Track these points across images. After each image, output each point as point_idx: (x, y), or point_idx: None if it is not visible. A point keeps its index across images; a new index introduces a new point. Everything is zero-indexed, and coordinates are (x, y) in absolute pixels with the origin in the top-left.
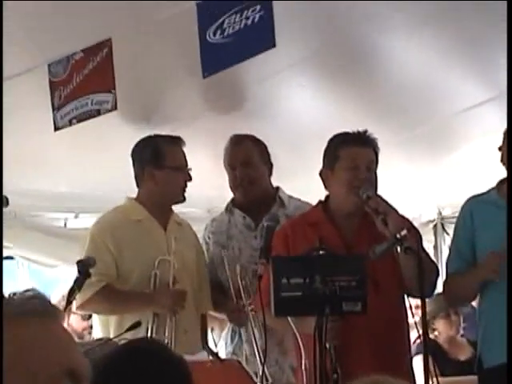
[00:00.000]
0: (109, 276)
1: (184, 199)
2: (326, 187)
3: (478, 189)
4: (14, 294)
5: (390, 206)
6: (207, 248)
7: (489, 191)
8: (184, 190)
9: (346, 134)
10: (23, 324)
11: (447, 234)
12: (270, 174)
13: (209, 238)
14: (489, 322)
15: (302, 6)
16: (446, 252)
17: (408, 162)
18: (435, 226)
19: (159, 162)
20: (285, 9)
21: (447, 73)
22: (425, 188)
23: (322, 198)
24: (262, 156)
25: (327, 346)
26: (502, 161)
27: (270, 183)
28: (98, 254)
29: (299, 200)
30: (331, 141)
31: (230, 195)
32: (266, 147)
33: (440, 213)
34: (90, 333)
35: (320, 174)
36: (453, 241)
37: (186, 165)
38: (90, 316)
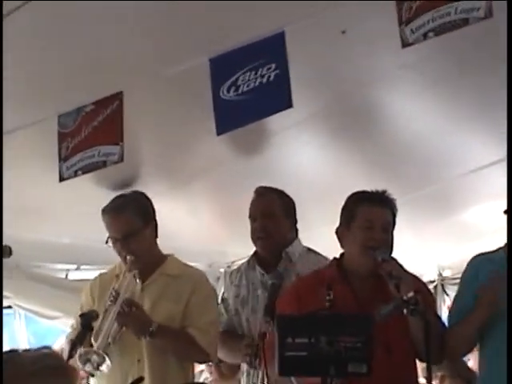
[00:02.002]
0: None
1: (130, 265)
2: (341, 245)
3: (479, 251)
4: (28, 350)
5: (405, 271)
6: (226, 296)
7: (497, 250)
8: (124, 260)
9: (364, 192)
10: (38, 382)
11: (447, 295)
12: (294, 228)
13: (228, 288)
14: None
15: (312, 64)
16: (445, 313)
17: (411, 222)
18: (435, 286)
19: None
20: (293, 67)
21: (454, 134)
22: (426, 248)
23: (325, 254)
24: (286, 210)
25: None
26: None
27: (293, 238)
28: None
29: (317, 254)
30: (349, 198)
31: (231, 250)
32: (292, 202)
33: (440, 274)
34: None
35: (336, 232)
36: (456, 296)
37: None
38: None
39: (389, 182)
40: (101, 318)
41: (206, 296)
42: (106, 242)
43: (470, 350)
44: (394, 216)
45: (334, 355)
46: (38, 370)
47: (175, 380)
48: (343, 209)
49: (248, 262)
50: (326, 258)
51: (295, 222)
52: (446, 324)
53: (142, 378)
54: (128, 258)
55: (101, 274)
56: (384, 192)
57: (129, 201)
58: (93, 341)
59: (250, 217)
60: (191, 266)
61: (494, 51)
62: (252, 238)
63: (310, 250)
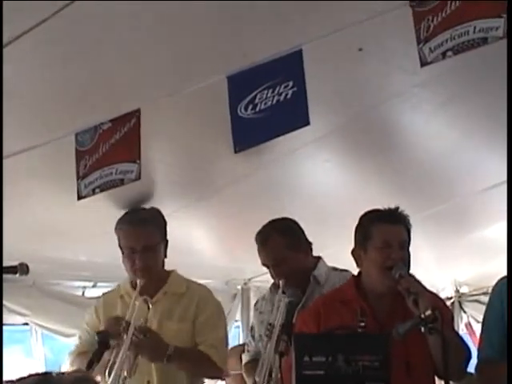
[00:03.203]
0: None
1: (140, 277)
2: (358, 265)
3: (496, 269)
4: (63, 373)
5: (423, 287)
6: (253, 324)
7: None
8: (135, 272)
9: (377, 211)
10: None
11: (464, 312)
12: (309, 253)
13: (255, 316)
14: None
15: (329, 82)
16: (462, 330)
17: (429, 238)
18: (453, 303)
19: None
20: (310, 84)
21: (471, 151)
22: (444, 265)
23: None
24: (294, 245)
25: None
26: None
27: (312, 260)
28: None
29: (341, 270)
30: (362, 218)
31: (249, 267)
32: (296, 230)
33: (458, 290)
34: None
35: (352, 253)
36: (483, 323)
37: (135, 247)
38: None
39: (406, 199)
40: (113, 350)
41: (212, 312)
42: (123, 253)
43: None
44: (409, 232)
45: (352, 374)
46: None
47: None
48: (357, 229)
49: (270, 289)
50: (349, 273)
51: (308, 245)
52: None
53: None
54: (138, 281)
55: (104, 294)
56: (397, 209)
57: (151, 214)
58: (106, 376)
59: (263, 265)
60: (194, 282)
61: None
62: (275, 280)
63: (335, 268)
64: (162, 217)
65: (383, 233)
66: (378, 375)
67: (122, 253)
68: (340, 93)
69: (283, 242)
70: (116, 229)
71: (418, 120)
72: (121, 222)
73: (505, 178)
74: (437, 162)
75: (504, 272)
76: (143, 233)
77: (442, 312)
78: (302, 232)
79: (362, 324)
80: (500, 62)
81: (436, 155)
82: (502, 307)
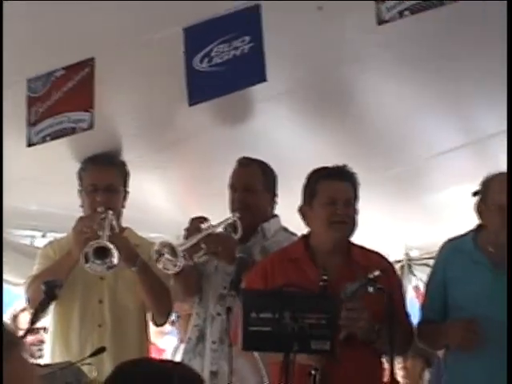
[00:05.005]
0: None
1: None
2: (306, 223)
3: (447, 234)
4: None
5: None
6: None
7: (466, 235)
8: (94, 210)
9: (323, 168)
10: None
11: (414, 275)
12: (273, 204)
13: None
14: (454, 379)
15: (287, 39)
16: (410, 293)
17: (380, 201)
18: (402, 266)
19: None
20: (271, 40)
21: (428, 114)
22: (395, 228)
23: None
24: (268, 184)
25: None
26: (477, 210)
27: (270, 213)
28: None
29: (291, 234)
30: (309, 176)
31: None
32: (274, 175)
33: (408, 254)
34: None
35: (299, 211)
36: (427, 286)
37: (98, 184)
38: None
39: (363, 161)
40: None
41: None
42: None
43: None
44: (356, 190)
45: (298, 331)
46: None
47: (134, 348)
48: (305, 187)
49: (225, 230)
50: (298, 237)
51: (275, 196)
52: (408, 305)
53: (103, 349)
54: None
55: (57, 240)
56: (344, 166)
57: (117, 160)
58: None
59: (230, 187)
60: (145, 238)
61: (468, 38)
62: (230, 209)
63: (286, 229)
64: (126, 167)
65: (328, 189)
66: (323, 333)
67: (83, 195)
68: (299, 50)
69: (261, 177)
70: (79, 171)
71: (376, 80)
72: (84, 163)
73: (460, 143)
74: (394, 124)
75: (451, 236)
76: (107, 171)
77: (390, 275)
78: (276, 185)
79: (325, 278)
80: (457, 25)
81: (394, 117)
82: (445, 275)
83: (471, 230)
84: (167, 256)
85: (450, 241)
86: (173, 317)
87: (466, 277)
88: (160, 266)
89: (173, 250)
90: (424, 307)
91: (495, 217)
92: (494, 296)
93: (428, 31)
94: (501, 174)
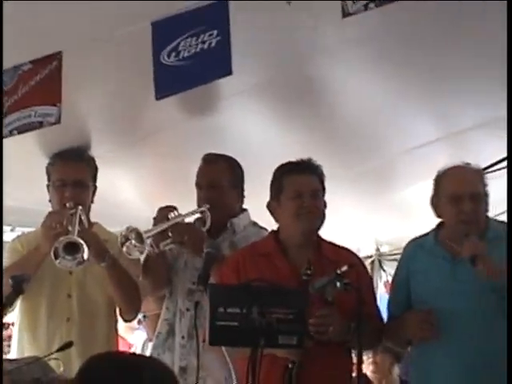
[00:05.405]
0: None
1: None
2: (275, 219)
3: (418, 230)
4: None
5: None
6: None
7: (427, 234)
8: (63, 206)
9: (288, 163)
10: None
11: (384, 270)
12: (241, 199)
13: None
14: (419, 372)
15: (259, 32)
16: (381, 288)
17: (352, 196)
18: (373, 261)
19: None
20: (240, 34)
21: (396, 111)
22: (365, 223)
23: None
24: (234, 180)
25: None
26: (431, 204)
27: (239, 208)
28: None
29: (261, 228)
30: (276, 172)
31: None
32: (241, 171)
33: (378, 249)
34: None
35: (267, 207)
36: (393, 282)
37: (66, 179)
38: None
39: (336, 157)
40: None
41: (128, 262)
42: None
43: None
44: (322, 182)
45: (265, 326)
46: None
47: (102, 342)
48: (271, 183)
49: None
50: (267, 231)
51: (242, 191)
52: (379, 301)
53: (70, 343)
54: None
55: (25, 234)
56: (309, 160)
57: (85, 155)
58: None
59: (196, 185)
60: (114, 233)
61: (439, 30)
62: (197, 207)
63: (255, 224)
64: (94, 162)
65: (294, 183)
66: (291, 328)
67: (51, 190)
68: (267, 44)
69: (227, 173)
70: (47, 166)
71: (346, 74)
72: (53, 158)
73: (433, 137)
74: (366, 120)
75: (422, 232)
76: (75, 167)
77: (359, 270)
78: (243, 180)
79: (309, 272)
80: (430, 20)
81: (365, 113)
82: (408, 271)
83: (433, 229)
84: (133, 241)
85: (414, 240)
86: (139, 316)
87: (427, 271)
88: (125, 249)
89: (139, 235)
90: (390, 305)
91: (447, 207)
92: (455, 287)
93: (398, 24)
94: (453, 167)
